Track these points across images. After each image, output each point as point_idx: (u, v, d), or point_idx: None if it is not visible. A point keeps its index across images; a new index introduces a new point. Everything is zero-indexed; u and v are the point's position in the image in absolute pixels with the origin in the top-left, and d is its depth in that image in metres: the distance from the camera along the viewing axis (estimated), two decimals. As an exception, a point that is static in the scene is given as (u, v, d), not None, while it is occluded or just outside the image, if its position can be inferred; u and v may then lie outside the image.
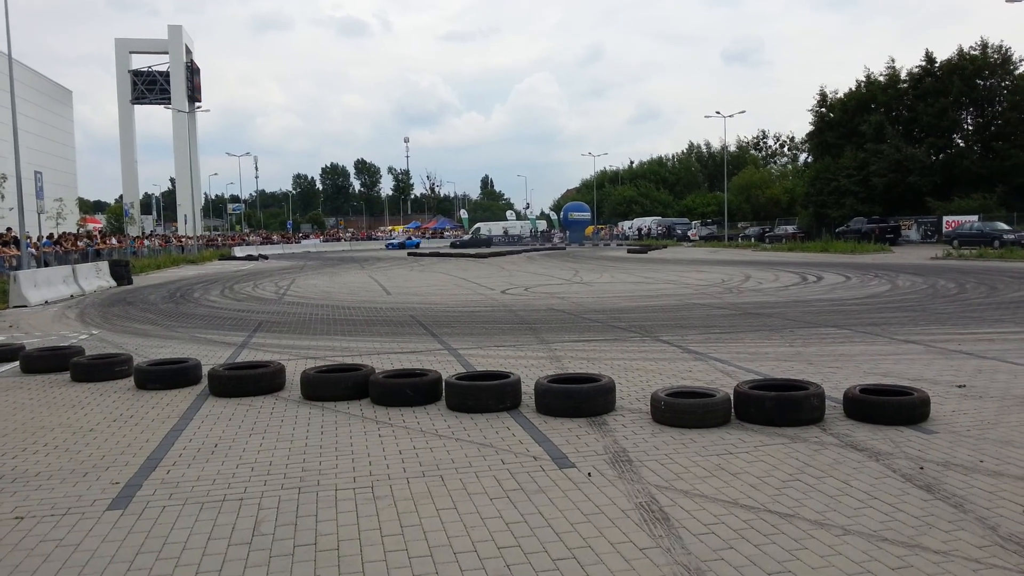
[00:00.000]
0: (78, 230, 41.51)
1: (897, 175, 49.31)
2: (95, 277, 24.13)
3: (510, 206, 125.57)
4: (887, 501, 4.42)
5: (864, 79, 55.79)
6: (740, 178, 75.36)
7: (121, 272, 25.87)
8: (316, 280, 26.79)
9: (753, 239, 56.00)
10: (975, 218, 41.52)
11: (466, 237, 71.46)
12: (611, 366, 8.76)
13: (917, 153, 49.39)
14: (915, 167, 48.85)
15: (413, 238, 74.41)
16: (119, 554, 3.94)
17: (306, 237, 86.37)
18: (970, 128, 52.63)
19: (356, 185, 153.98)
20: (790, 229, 54.71)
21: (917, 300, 15.57)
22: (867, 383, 6.85)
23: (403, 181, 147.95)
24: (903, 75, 54.12)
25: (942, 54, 52.97)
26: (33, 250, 25.87)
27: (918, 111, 51.69)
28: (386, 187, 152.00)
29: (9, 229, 27.78)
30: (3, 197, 23.08)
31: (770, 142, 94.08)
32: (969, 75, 49.68)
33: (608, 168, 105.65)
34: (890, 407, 6.04)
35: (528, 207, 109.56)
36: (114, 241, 42.13)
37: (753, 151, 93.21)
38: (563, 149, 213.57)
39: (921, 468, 4.98)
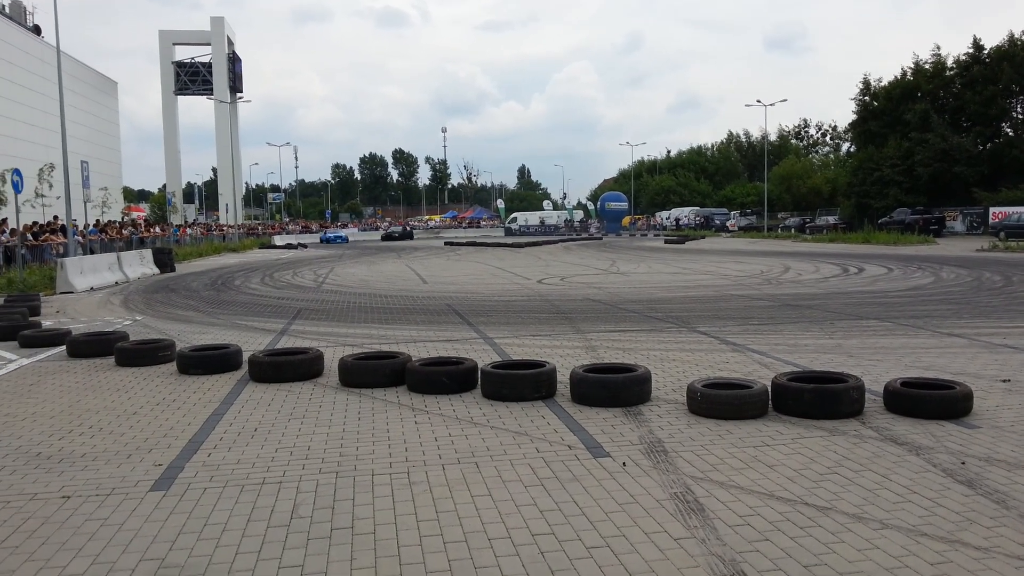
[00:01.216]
0: (122, 218, 42.29)
1: (943, 165, 48.25)
2: (139, 264, 24.60)
3: (547, 196, 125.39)
4: (927, 496, 4.36)
5: (911, 66, 54.56)
6: (781, 168, 74.34)
7: (164, 260, 26.36)
8: (354, 269, 27.03)
9: (793, 230, 55.31)
10: (1023, 209, 40.51)
11: (395, 230, 70.73)
12: (647, 356, 8.73)
13: (964, 142, 48.27)
14: (961, 157, 47.75)
15: (341, 233, 66.89)
16: (161, 534, 4.03)
17: (344, 226, 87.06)
18: (1020, 116, 51.24)
19: (394, 175, 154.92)
20: (831, 220, 53.88)
21: (961, 293, 15.27)
22: (908, 376, 6.74)
23: (440, 171, 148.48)
24: (949, 62, 52.86)
25: (991, 40, 51.65)
26: (79, 238, 26.43)
27: (965, 99, 50.45)
28: (424, 177, 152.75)
29: (56, 217, 28.40)
30: (51, 186, 23.58)
31: (812, 131, 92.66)
32: (1020, 61, 48.30)
33: (646, 158, 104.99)
34: (932, 401, 5.94)
35: (565, 197, 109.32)
36: (157, 229, 42.87)
37: (794, 140, 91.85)
38: (601, 138, 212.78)
39: (963, 463, 4.89)
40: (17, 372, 8.77)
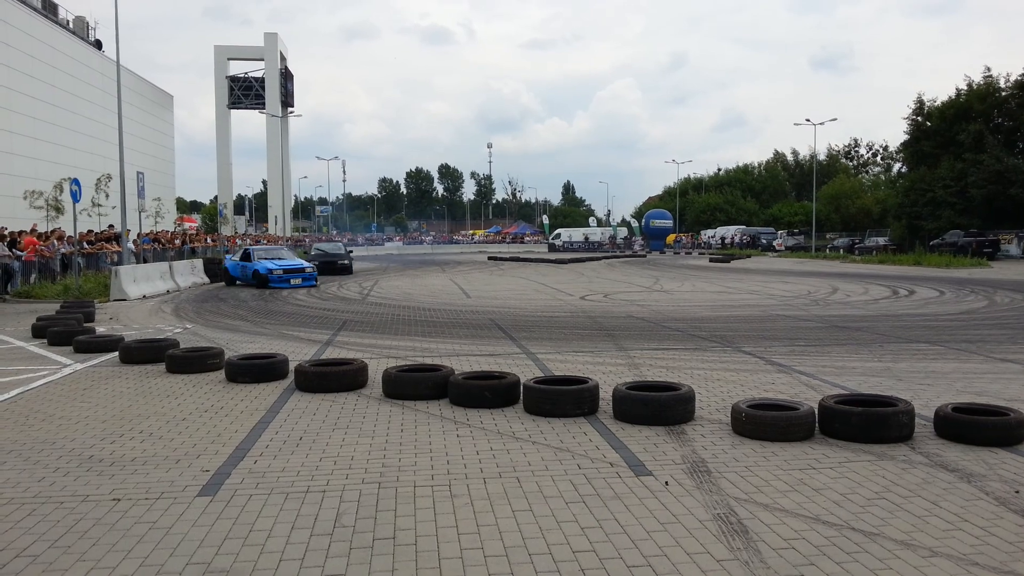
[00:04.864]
0: (175, 229, 43.23)
1: (997, 187, 47.06)
2: (190, 274, 25.13)
3: (591, 212, 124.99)
4: (978, 524, 4.25)
5: (966, 87, 53.39)
6: (830, 187, 73.19)
7: (215, 270, 26.88)
8: (398, 282, 27.24)
9: (842, 250, 54.39)
10: (1082, 233, 39.31)
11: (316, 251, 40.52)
12: (691, 375, 8.66)
13: (1020, 164, 47.09)
14: (1017, 178, 46.54)
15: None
16: (208, 539, 4.11)
17: (389, 240, 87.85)
18: (1078, 138, 49.87)
19: (439, 190, 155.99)
20: (881, 241, 52.87)
21: (1016, 318, 14.87)
22: (960, 401, 6.59)
23: (485, 186, 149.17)
24: (1001, 83, 51.69)
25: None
26: (133, 247, 27.08)
27: (1021, 119, 49.30)
28: (468, 192, 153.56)
29: (111, 226, 29.13)
30: (107, 196, 24.23)
31: (862, 151, 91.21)
32: (1078, 82, 47.09)
33: (692, 175, 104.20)
34: (984, 427, 5.80)
35: (609, 214, 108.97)
36: (208, 240, 43.72)
37: (844, 160, 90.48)
38: (645, 156, 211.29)
39: (1016, 492, 4.76)
40: (71, 376, 9.01)
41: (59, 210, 22.86)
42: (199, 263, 27.13)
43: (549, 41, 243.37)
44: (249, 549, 3.97)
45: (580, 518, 4.37)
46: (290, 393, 7.80)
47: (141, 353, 9.85)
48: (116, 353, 10.24)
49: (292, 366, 8.59)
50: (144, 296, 20.20)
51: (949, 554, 3.86)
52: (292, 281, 23.42)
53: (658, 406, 6.41)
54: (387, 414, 6.90)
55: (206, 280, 25.81)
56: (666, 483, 4.95)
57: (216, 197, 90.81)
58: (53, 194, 22.78)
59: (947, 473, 5.14)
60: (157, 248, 30.58)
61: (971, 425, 5.83)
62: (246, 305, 18.15)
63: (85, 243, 25.39)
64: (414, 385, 7.47)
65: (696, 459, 5.47)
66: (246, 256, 24.78)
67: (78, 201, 20.82)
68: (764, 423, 5.95)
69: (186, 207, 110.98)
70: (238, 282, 24.63)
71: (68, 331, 11.59)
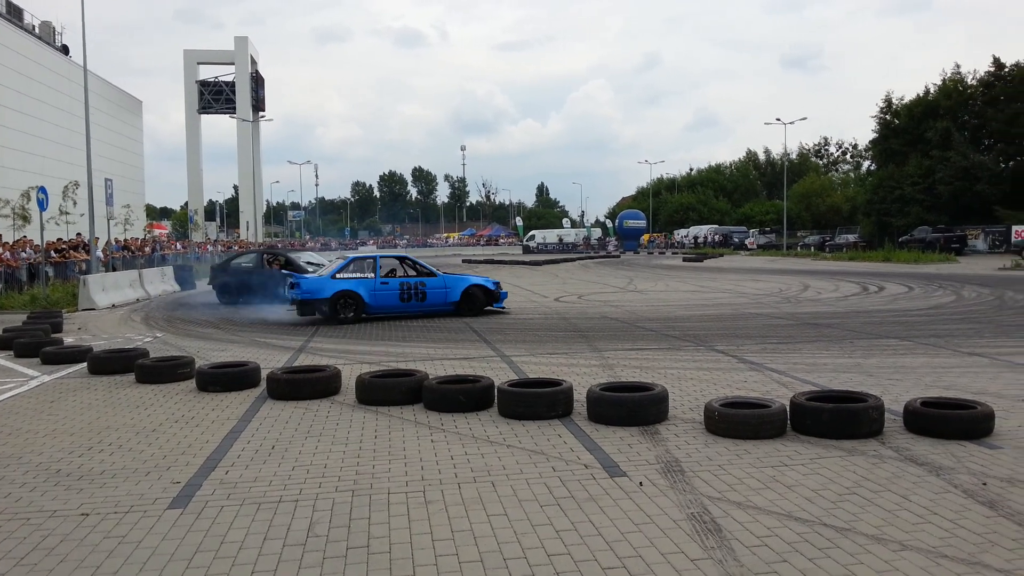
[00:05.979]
0: (145, 236, 42.75)
1: (964, 183, 47.84)
2: (160, 282, 24.81)
3: (565, 214, 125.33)
4: (947, 517, 4.31)
5: (938, 83, 54.07)
6: (800, 186, 73.97)
7: (185, 277, 26.60)
8: (372, 286, 27.08)
9: (813, 248, 54.95)
10: (1047, 227, 40.02)
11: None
12: (664, 375, 8.70)
13: (986, 161, 47.88)
14: (983, 175, 47.35)
15: None
16: (178, 552, 4.05)
17: (363, 244, 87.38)
18: (1043, 134, 50.70)
19: (413, 192, 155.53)
20: (851, 238, 53.50)
21: (983, 312, 15.11)
22: (929, 396, 6.68)
23: (459, 189, 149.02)
24: (970, 80, 52.52)
25: (1011, 59, 51.15)
26: (102, 255, 26.72)
27: (987, 117, 50.13)
28: (442, 195, 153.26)
29: (79, 234, 28.74)
30: (75, 203, 23.92)
31: (832, 149, 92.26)
32: (1043, 79, 47.92)
33: (665, 176, 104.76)
34: (952, 421, 5.88)
35: (583, 215, 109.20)
36: (179, 246, 43.29)
37: (814, 158, 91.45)
38: (619, 156, 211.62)
39: (984, 484, 4.83)
40: (39, 389, 8.87)
41: (26, 219, 22.54)
42: (169, 270, 26.82)
43: (523, 42, 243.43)
44: (221, 562, 3.92)
45: (555, 521, 4.37)
46: (262, 401, 7.73)
47: (110, 363, 9.71)
48: (85, 364, 10.08)
49: (264, 374, 8.51)
50: (113, 305, 19.92)
51: (919, 547, 3.91)
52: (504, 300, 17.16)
53: (632, 407, 6.43)
54: (361, 420, 6.86)
55: (177, 288, 25.50)
56: (640, 484, 4.97)
57: (187, 203, 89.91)
58: (20, 202, 22.46)
59: (916, 467, 5.21)
60: (127, 256, 30.23)
61: (939, 419, 5.91)
62: (218, 312, 17.97)
63: (52, 252, 25.02)
64: (387, 391, 7.44)
65: (670, 459, 5.49)
66: (390, 270, 16.04)
67: (45, 209, 20.53)
68: (737, 421, 5.99)
69: (156, 213, 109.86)
70: (354, 313, 14.89)
71: (35, 342, 11.40)
